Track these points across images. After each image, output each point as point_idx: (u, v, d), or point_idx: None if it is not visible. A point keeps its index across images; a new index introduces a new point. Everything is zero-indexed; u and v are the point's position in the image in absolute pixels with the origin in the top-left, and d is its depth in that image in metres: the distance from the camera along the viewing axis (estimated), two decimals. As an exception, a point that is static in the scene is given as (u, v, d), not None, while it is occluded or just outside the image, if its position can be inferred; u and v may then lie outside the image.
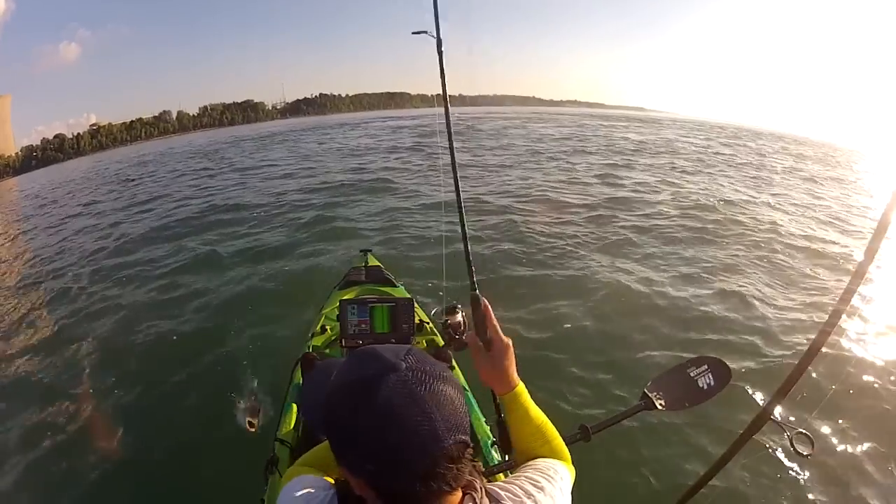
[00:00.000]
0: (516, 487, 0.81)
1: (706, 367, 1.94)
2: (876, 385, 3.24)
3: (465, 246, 1.43)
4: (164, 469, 2.86)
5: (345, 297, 2.41)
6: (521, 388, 1.08)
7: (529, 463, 0.94)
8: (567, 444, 1.39)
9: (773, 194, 10.58)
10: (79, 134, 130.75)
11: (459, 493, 0.70)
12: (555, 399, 3.12)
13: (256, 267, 6.03)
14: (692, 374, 1.92)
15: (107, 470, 2.94)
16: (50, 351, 4.56)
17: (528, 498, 0.80)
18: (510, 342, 1.06)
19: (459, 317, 1.95)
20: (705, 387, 1.89)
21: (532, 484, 0.83)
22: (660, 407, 1.78)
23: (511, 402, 1.07)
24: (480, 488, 0.73)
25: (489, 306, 1.12)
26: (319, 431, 0.81)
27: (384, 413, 0.63)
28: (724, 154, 18.77)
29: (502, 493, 0.79)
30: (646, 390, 1.83)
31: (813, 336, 1.29)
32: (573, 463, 1.01)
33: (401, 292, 3.14)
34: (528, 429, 1.05)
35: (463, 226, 1.44)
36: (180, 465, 2.84)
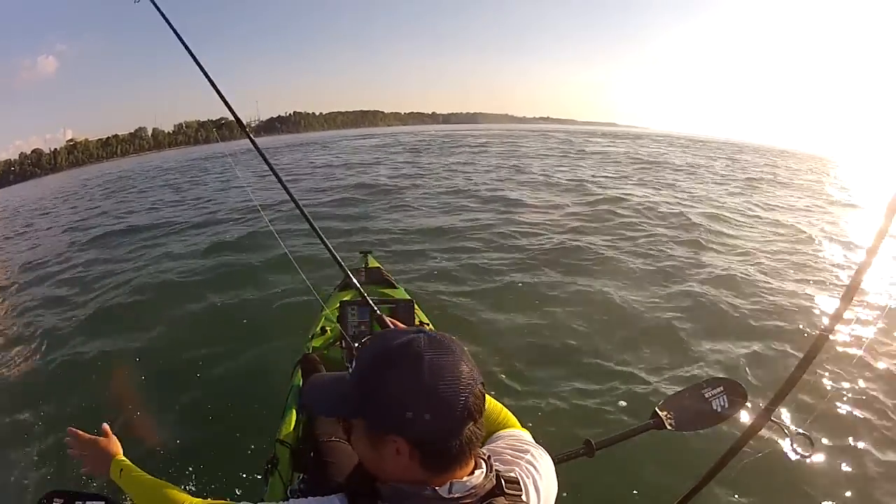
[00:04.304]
0: (517, 470, 0.82)
1: (721, 388, 1.89)
2: (876, 386, 3.28)
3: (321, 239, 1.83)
4: (162, 470, 2.70)
5: (345, 299, 2.42)
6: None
7: (502, 436, 0.95)
8: (569, 459, 1.35)
9: (762, 202, 10.76)
10: (56, 149, 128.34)
11: (473, 461, 0.73)
12: (554, 413, 3.08)
13: (251, 270, 6.03)
14: (707, 395, 1.86)
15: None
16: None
17: (532, 470, 0.83)
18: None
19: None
20: (719, 409, 1.84)
21: (529, 466, 0.85)
22: (669, 427, 1.74)
23: None
24: (483, 452, 0.77)
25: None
26: (334, 413, 0.84)
27: (431, 363, 0.68)
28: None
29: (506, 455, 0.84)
30: (657, 409, 1.79)
31: (813, 337, 1.31)
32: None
33: (401, 293, 3.11)
34: None
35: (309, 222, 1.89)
36: (180, 466, 2.73)
